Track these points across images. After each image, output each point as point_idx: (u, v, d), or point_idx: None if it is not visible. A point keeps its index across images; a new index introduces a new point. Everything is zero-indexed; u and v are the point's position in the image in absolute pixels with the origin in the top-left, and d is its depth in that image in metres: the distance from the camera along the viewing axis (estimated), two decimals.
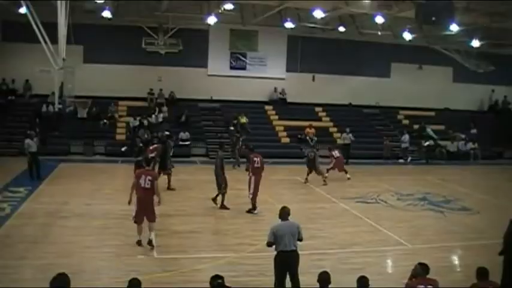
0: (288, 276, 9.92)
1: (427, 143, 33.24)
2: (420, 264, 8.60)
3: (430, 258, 11.55)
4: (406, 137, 33.05)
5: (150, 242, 13.07)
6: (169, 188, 20.51)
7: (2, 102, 31.30)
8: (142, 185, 13.02)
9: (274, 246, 9.97)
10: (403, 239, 15.14)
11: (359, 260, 12.87)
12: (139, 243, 13.18)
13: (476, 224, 17.38)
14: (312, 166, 23.56)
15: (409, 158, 32.64)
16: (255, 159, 17.81)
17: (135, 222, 13.23)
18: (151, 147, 21.12)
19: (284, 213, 10.19)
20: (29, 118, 29.96)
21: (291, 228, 9.99)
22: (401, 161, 32.44)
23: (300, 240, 10.10)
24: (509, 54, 36.27)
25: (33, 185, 20.39)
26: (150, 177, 13.15)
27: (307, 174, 23.61)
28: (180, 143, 30.13)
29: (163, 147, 21.37)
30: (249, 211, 17.50)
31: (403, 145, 32.92)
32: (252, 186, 17.52)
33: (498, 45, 32.77)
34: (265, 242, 10.11)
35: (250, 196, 17.57)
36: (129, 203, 13.41)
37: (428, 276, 8.40)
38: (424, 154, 33.13)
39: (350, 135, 31.36)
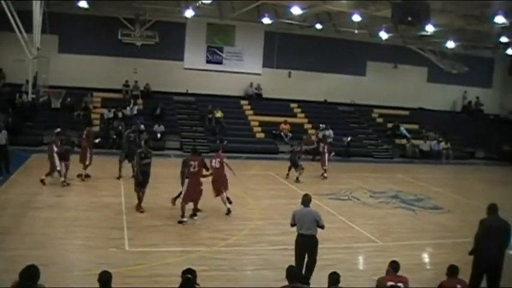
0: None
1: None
2: (391, 262, 8.75)
3: (401, 256, 11.71)
4: (330, 132, 32.83)
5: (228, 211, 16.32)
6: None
7: None
8: (214, 165, 16.31)
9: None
10: (374, 236, 15.28)
11: (330, 257, 12.88)
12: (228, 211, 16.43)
13: (447, 223, 17.63)
14: (293, 160, 23.33)
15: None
16: (192, 163, 15.55)
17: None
18: (84, 136, 20.85)
19: (305, 200, 11.05)
20: (2, 107, 29.41)
21: (308, 214, 10.80)
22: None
23: (321, 227, 10.79)
24: (482, 56, 36.91)
25: (4, 175, 20.08)
26: (218, 159, 16.49)
27: (289, 170, 23.45)
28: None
29: (92, 131, 21.67)
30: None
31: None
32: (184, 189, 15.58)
33: (472, 46, 33.20)
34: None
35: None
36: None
37: (399, 273, 8.54)
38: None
39: (326, 132, 31.42)
